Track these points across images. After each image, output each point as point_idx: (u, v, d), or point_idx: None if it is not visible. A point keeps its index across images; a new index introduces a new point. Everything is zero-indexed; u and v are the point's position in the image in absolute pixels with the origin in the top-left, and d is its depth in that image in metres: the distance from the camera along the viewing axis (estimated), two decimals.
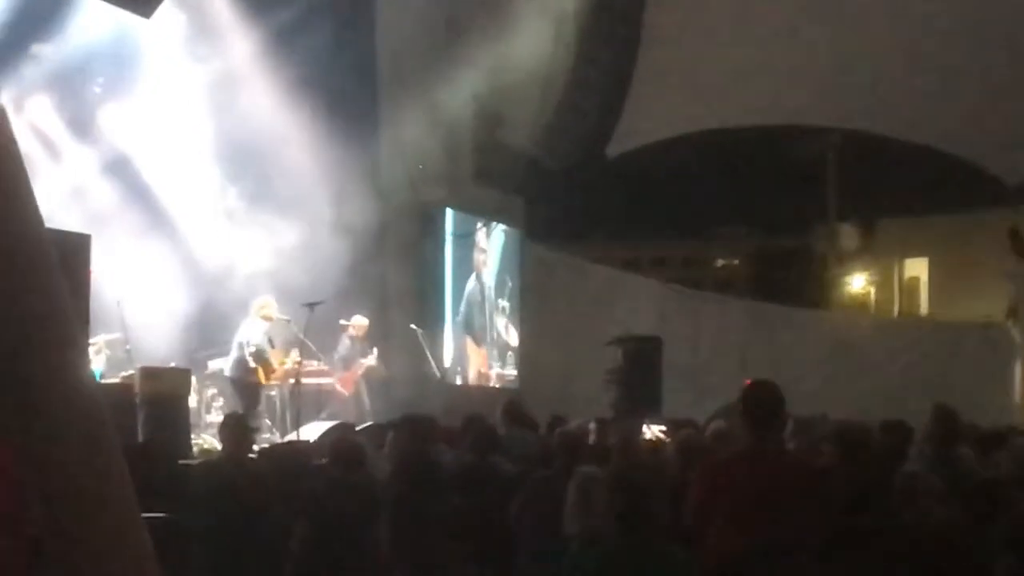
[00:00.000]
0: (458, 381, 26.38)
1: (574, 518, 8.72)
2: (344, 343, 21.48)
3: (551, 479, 9.68)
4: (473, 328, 27.47)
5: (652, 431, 18.40)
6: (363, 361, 21.35)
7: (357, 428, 16.20)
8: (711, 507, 8.14)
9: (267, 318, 19.82)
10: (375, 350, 21.68)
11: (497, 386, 27.64)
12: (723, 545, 7.99)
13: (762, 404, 8.24)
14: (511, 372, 28.82)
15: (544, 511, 9.28)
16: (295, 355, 19.78)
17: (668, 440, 12.52)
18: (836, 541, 8.39)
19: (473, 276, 27.65)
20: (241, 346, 19.65)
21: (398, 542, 10.38)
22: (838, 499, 8.87)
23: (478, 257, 27.94)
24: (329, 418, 19.30)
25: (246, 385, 19.60)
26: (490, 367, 28.15)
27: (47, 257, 4.08)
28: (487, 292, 28.12)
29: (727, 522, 8.01)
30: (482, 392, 26.21)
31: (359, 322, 21.58)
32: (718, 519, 8.07)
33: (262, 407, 19.74)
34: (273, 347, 19.88)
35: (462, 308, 27.01)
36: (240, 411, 17.72)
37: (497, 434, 11.69)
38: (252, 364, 19.46)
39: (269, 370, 19.57)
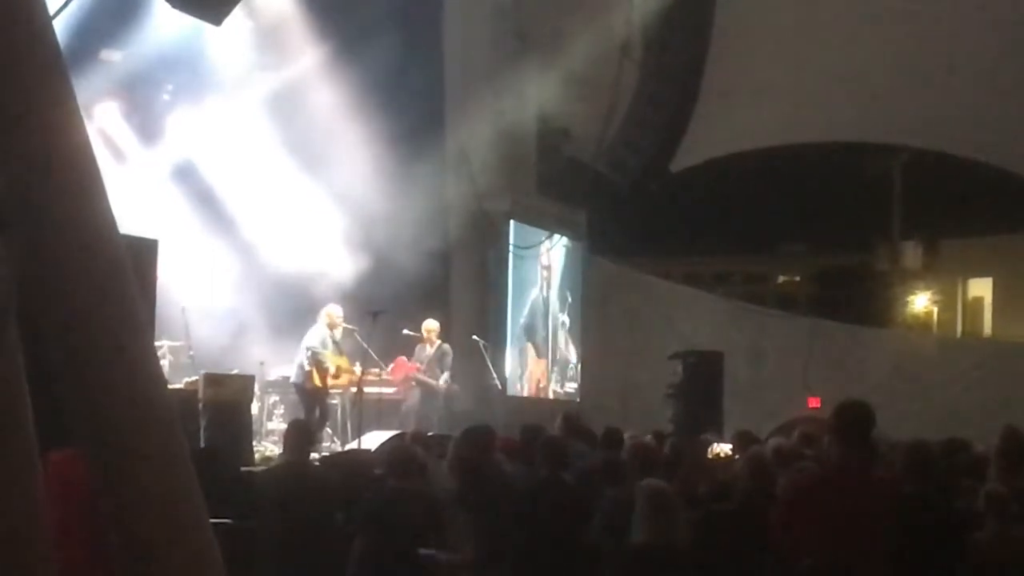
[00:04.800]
0: (518, 392, 26.36)
1: (641, 527, 8.71)
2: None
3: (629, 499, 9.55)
4: (535, 338, 27.47)
5: (717, 447, 18.34)
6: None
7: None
8: (796, 526, 8.17)
9: (331, 325, 19.84)
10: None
11: (558, 398, 27.63)
12: (810, 564, 8.02)
13: (854, 424, 8.19)
14: (571, 387, 28.79)
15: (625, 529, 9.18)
16: (354, 363, 19.82)
17: (737, 456, 12.38)
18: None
19: (537, 287, 27.68)
20: (303, 351, 19.70)
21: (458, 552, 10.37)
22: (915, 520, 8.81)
23: (542, 270, 27.95)
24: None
25: (303, 390, 19.63)
26: (549, 381, 28.14)
27: (122, 261, 4.12)
28: (551, 306, 28.14)
29: (812, 542, 8.03)
30: (542, 404, 26.18)
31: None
32: (803, 538, 8.10)
33: (319, 413, 19.57)
34: (341, 353, 19.89)
35: (523, 317, 27.01)
36: (301, 417, 17.87)
37: (566, 448, 11.60)
38: (307, 367, 19.49)
39: (324, 373, 19.53)
